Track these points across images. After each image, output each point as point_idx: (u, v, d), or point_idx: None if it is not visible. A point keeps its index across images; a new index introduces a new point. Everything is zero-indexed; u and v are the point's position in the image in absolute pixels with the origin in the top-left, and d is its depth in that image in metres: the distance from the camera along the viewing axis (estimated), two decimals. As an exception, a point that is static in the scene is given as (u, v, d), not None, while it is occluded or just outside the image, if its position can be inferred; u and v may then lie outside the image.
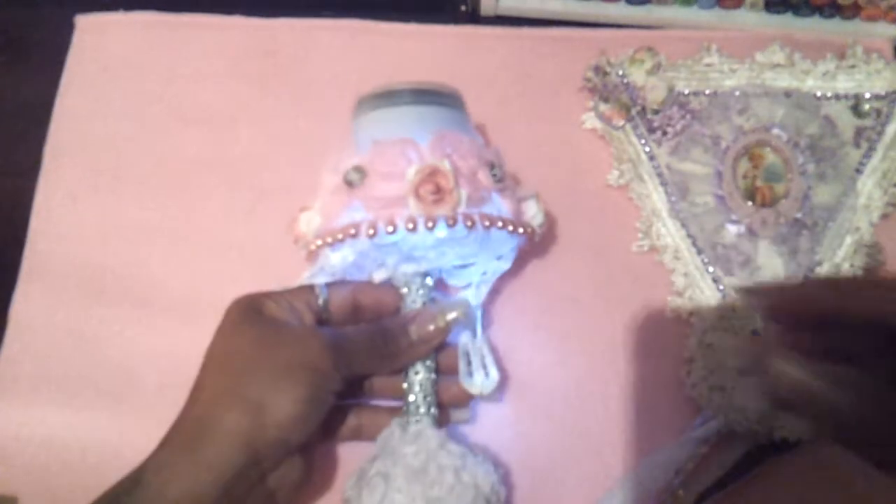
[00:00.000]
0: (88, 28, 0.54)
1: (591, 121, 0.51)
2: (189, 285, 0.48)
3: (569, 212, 0.50)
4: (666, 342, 0.46)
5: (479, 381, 0.41)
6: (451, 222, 0.37)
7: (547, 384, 0.46)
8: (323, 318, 0.40)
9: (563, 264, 0.48)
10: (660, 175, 0.49)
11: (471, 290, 0.44)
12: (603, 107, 0.51)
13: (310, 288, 0.40)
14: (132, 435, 0.44)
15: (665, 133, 0.50)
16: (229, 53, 0.54)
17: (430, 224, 0.37)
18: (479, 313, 0.44)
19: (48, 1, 0.56)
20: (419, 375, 0.40)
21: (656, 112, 0.50)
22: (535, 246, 0.46)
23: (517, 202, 0.42)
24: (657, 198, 0.49)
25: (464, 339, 0.42)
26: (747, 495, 0.43)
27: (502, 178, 0.40)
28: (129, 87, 0.53)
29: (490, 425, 0.45)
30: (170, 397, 0.46)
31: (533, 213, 0.42)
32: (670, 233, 0.48)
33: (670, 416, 0.45)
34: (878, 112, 0.51)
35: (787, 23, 0.56)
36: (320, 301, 0.40)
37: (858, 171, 0.49)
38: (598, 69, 0.51)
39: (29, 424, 0.44)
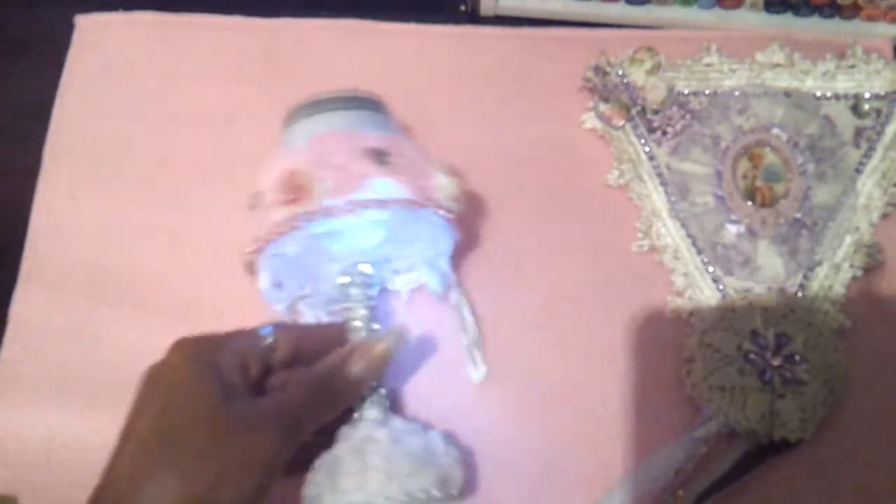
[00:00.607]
0: (88, 28, 0.54)
1: (591, 121, 0.51)
2: (188, 285, 0.48)
3: (569, 212, 0.50)
4: (666, 342, 0.46)
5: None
6: (310, 217, 0.38)
7: (547, 384, 0.46)
8: (269, 363, 0.39)
9: (562, 264, 0.48)
10: (660, 175, 0.49)
11: (434, 280, 0.45)
12: (603, 107, 0.51)
13: (256, 333, 0.39)
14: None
15: (665, 133, 0.50)
16: (229, 53, 0.54)
17: (295, 224, 0.38)
18: (463, 298, 0.46)
19: (48, 1, 0.56)
20: None
21: (656, 112, 0.50)
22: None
23: (421, 180, 0.41)
24: (657, 198, 0.49)
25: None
26: (747, 495, 0.43)
27: (391, 163, 0.40)
28: (129, 87, 0.53)
29: (489, 425, 0.45)
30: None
31: (444, 186, 0.42)
32: (670, 233, 0.48)
33: (670, 416, 0.45)
34: (878, 112, 0.51)
35: (786, 23, 0.56)
36: (267, 345, 0.38)
37: (858, 171, 0.49)
38: (598, 69, 0.51)
39: (29, 424, 0.44)
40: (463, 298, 0.46)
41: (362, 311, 0.41)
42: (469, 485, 0.43)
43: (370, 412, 0.40)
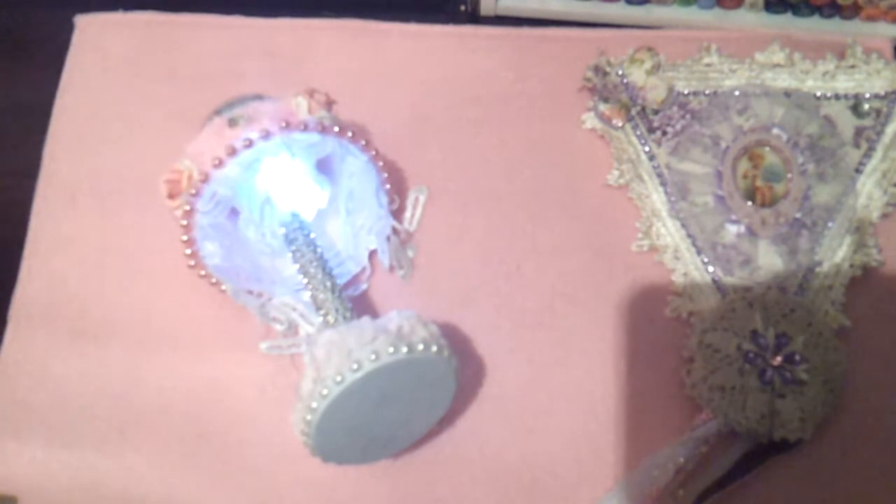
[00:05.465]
0: (88, 28, 0.54)
1: (591, 121, 0.51)
2: (189, 283, 0.47)
3: (569, 212, 0.50)
4: (666, 342, 0.46)
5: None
6: (188, 208, 0.41)
7: (547, 384, 0.46)
8: None
9: (562, 264, 0.48)
10: (660, 175, 0.49)
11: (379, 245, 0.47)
12: (603, 107, 0.51)
13: None
14: (132, 434, 0.44)
15: (665, 133, 0.50)
16: (229, 53, 0.54)
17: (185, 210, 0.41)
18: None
19: (48, 1, 0.56)
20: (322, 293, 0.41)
21: (656, 112, 0.50)
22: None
23: (280, 114, 0.42)
24: (657, 198, 0.49)
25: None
26: (747, 495, 0.43)
27: (238, 123, 0.42)
28: (129, 87, 0.53)
29: (490, 425, 0.45)
30: (170, 393, 0.46)
31: (301, 105, 0.43)
32: (670, 233, 0.48)
33: (670, 416, 0.45)
34: (878, 112, 0.51)
35: (786, 23, 0.56)
36: None
37: (858, 171, 0.49)
38: (598, 69, 0.51)
39: (29, 425, 0.44)
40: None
41: (311, 255, 0.42)
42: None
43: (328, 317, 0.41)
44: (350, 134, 0.42)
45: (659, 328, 0.47)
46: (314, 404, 0.36)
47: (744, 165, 0.49)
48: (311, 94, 0.44)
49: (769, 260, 0.47)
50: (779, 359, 0.43)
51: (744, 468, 0.43)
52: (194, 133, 0.43)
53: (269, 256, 0.46)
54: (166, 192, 0.42)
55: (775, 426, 0.42)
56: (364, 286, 0.48)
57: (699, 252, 0.48)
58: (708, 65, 0.52)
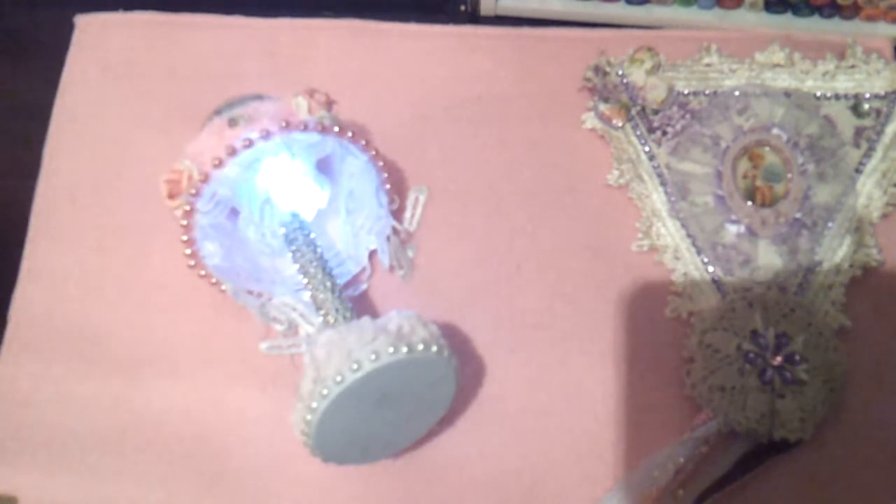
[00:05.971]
0: (88, 28, 0.54)
1: (591, 121, 0.51)
2: (189, 283, 0.48)
3: (569, 212, 0.50)
4: (666, 342, 0.46)
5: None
6: (188, 208, 0.41)
7: (547, 384, 0.46)
8: None
9: (562, 264, 0.48)
10: (660, 175, 0.49)
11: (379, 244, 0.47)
12: (603, 107, 0.51)
13: None
14: (132, 434, 0.44)
15: (665, 133, 0.50)
16: (229, 53, 0.54)
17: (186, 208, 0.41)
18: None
19: (48, 1, 0.56)
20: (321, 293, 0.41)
21: (656, 112, 0.50)
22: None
23: (280, 114, 0.42)
24: (657, 198, 0.49)
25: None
26: (747, 495, 0.43)
27: (238, 123, 0.42)
28: (129, 87, 0.53)
29: (490, 425, 0.45)
30: (170, 386, 0.46)
31: (301, 105, 0.43)
32: (670, 233, 0.48)
33: (670, 416, 0.45)
34: (878, 112, 0.51)
35: (786, 23, 0.56)
36: None
37: (858, 171, 0.49)
38: (598, 69, 0.51)
39: (28, 424, 0.44)
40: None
41: (311, 255, 0.42)
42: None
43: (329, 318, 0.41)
44: (350, 134, 0.42)
45: (659, 328, 0.47)
46: (314, 404, 0.36)
47: (744, 165, 0.49)
48: (311, 94, 0.44)
49: (769, 260, 0.47)
50: (779, 359, 0.43)
51: (744, 468, 0.43)
52: (194, 133, 0.43)
53: (269, 256, 0.46)
54: (166, 192, 0.42)
55: (775, 426, 0.42)
56: (364, 286, 0.48)
57: (699, 252, 0.48)
58: (708, 65, 0.52)
